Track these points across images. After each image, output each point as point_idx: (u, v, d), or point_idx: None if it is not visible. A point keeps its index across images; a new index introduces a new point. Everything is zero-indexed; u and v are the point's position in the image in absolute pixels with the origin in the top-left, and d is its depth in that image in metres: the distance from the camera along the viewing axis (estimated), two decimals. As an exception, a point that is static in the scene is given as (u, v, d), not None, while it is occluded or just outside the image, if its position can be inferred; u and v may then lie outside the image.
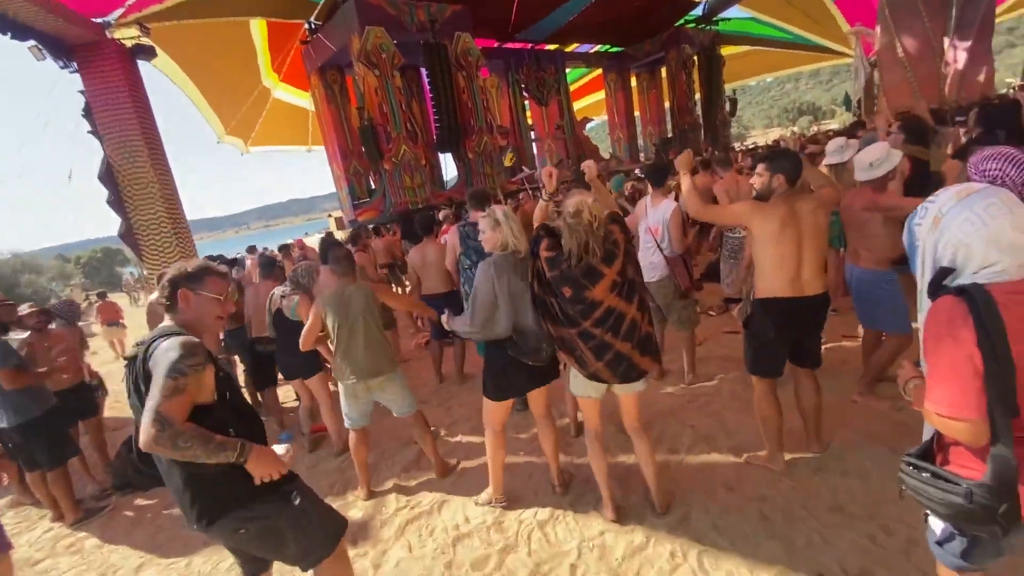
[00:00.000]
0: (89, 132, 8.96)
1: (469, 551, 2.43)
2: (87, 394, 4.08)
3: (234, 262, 6.01)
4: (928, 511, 1.21)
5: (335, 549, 1.77)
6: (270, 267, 4.29)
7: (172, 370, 1.41)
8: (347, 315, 2.84)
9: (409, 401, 3.04)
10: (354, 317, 2.84)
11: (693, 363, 3.78)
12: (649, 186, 3.83)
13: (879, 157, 2.75)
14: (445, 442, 3.59)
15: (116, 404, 6.07)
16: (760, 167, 2.44)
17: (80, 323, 6.80)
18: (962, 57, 15.22)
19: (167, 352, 1.44)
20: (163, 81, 13.28)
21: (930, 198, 1.17)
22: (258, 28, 13.06)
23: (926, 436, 1.28)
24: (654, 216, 3.54)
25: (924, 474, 1.15)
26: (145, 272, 14.76)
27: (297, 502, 1.66)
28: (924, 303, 1.17)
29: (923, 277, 1.18)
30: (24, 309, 3.81)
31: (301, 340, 2.93)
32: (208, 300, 1.65)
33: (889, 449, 2.57)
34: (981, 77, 14.95)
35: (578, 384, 2.34)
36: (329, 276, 4.16)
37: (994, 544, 1.14)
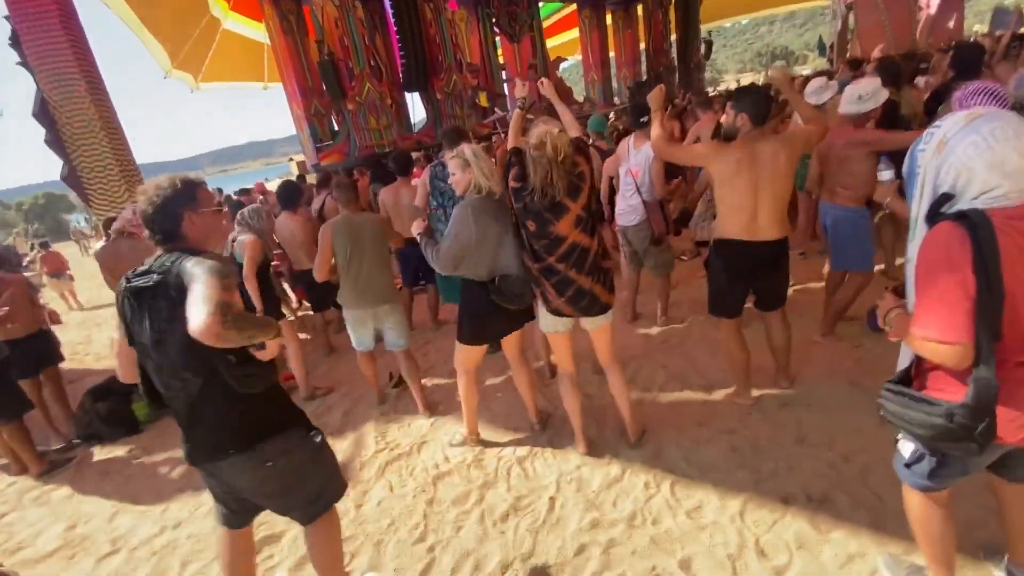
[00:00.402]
0: (18, 64, 8.10)
1: (450, 488, 2.48)
2: (46, 342, 3.86)
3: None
4: (900, 435, 1.27)
5: (342, 495, 1.77)
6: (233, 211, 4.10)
7: (217, 271, 1.35)
8: (358, 243, 2.89)
9: (405, 334, 3.14)
10: (365, 245, 2.90)
11: (666, 307, 3.84)
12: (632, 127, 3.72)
13: (869, 91, 2.77)
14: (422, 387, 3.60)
15: (74, 356, 5.85)
16: (728, 105, 2.40)
17: (26, 272, 6.42)
18: (934, 2, 15.17)
19: (200, 263, 1.36)
20: (96, 7, 11.96)
21: (935, 123, 1.15)
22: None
23: (903, 364, 1.32)
24: (636, 158, 3.47)
25: (904, 399, 1.19)
26: (94, 218, 13.92)
27: (318, 440, 1.65)
28: (918, 232, 1.17)
29: (919, 203, 1.17)
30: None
31: (315, 270, 2.99)
32: (210, 214, 1.55)
33: (849, 383, 2.71)
34: (951, 23, 15.00)
35: (546, 321, 2.34)
36: (288, 219, 3.99)
37: (961, 464, 1.21)
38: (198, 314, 1.25)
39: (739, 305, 2.58)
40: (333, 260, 2.94)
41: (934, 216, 1.10)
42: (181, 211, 1.47)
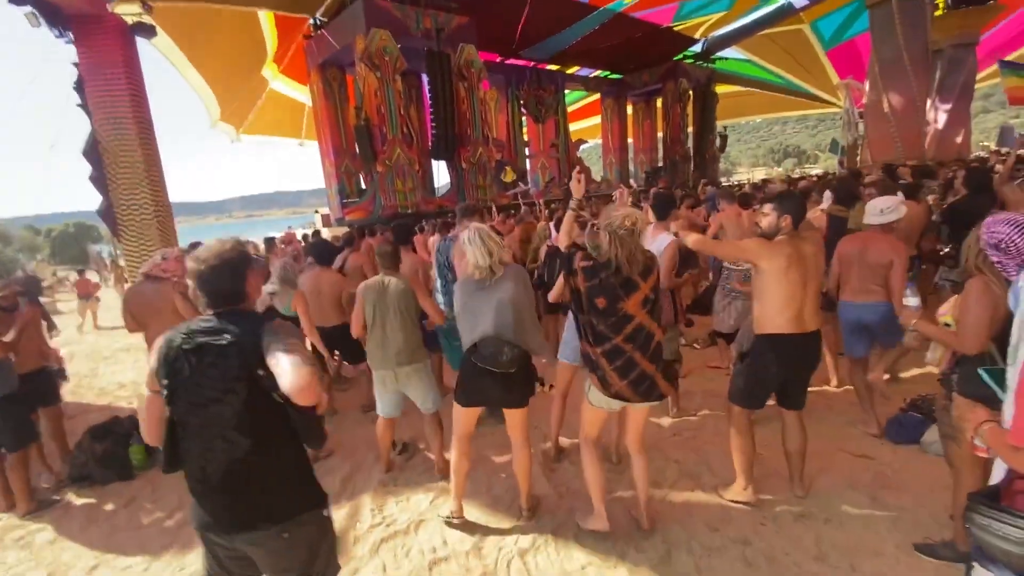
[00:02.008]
0: (78, 105, 8.69)
1: (446, 576, 2.36)
2: (49, 380, 3.87)
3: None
4: (973, 563, 1.23)
5: (337, 574, 1.71)
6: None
7: (299, 336, 1.46)
8: (385, 304, 2.98)
9: (433, 397, 3.15)
10: (390, 306, 2.98)
11: (677, 397, 3.79)
12: (650, 215, 3.84)
13: (890, 206, 3.12)
14: (425, 457, 3.51)
15: (77, 389, 5.82)
16: (768, 207, 2.51)
17: (42, 299, 6.54)
18: (942, 118, 15.98)
19: (282, 330, 1.43)
20: (156, 60, 12.94)
21: None
22: (267, 17, 12.94)
23: (996, 479, 1.30)
24: (653, 247, 3.54)
25: (1000, 513, 1.16)
26: (118, 252, 14.28)
27: (326, 513, 1.61)
28: (1019, 355, 1.21)
29: (1018, 332, 1.24)
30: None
31: (352, 327, 3.11)
32: (259, 276, 1.63)
33: (870, 497, 2.61)
34: (959, 138, 15.72)
35: (599, 397, 2.34)
36: (321, 274, 4.10)
37: None
38: (297, 376, 1.30)
39: (767, 397, 2.63)
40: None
41: None
42: (246, 271, 1.51)
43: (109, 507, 3.31)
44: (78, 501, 3.41)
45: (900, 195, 3.42)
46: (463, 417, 2.59)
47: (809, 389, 3.85)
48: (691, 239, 2.75)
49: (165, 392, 1.45)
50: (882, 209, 3.13)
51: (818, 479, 2.80)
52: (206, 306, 1.51)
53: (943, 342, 2.06)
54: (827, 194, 4.46)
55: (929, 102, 14.41)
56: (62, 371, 4.36)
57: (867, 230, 3.22)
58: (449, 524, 2.68)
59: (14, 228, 27.16)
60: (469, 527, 2.67)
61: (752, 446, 2.62)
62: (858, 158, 16.81)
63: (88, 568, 2.70)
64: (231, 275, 1.48)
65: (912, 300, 2.28)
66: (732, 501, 2.67)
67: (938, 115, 15.92)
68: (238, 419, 1.41)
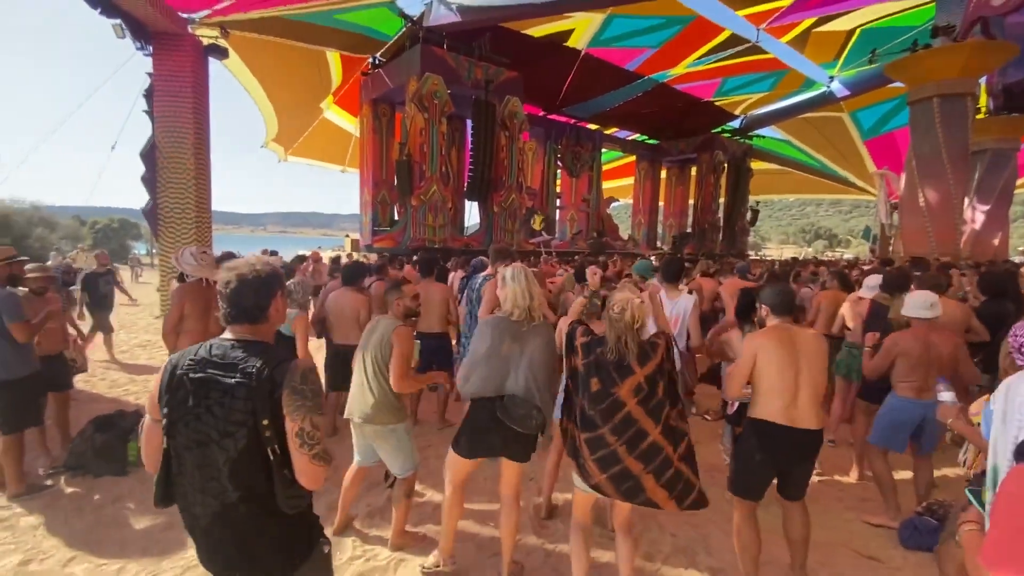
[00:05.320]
0: (144, 111, 9.30)
1: (418, 622, 2.27)
2: (62, 366, 3.99)
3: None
4: None
5: None
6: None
7: (319, 407, 1.34)
8: (365, 346, 2.71)
9: (401, 462, 2.73)
10: (366, 351, 2.70)
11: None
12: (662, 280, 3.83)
13: (935, 301, 3.08)
14: (417, 491, 3.43)
15: (90, 379, 5.93)
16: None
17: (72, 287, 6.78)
18: (980, 218, 15.84)
19: (305, 394, 1.31)
20: (221, 73, 13.89)
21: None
22: (333, 56, 13.83)
23: None
24: (672, 309, 3.54)
25: None
26: (155, 251, 14.80)
27: (326, 550, 1.50)
28: (1000, 475, 1.19)
29: (993, 453, 1.23)
30: (34, 270, 3.79)
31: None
32: (284, 301, 1.52)
33: (873, 605, 2.45)
34: (996, 240, 15.51)
35: (580, 481, 2.23)
36: (348, 295, 4.17)
37: None
38: (312, 470, 1.30)
39: (763, 489, 2.47)
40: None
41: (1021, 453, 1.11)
42: (275, 292, 1.43)
43: (97, 498, 3.31)
44: (68, 490, 3.42)
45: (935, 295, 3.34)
46: (463, 465, 2.47)
47: (822, 478, 3.76)
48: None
49: (164, 422, 1.35)
50: (932, 304, 3.04)
51: (820, 572, 2.65)
52: (224, 320, 1.41)
53: (975, 442, 1.98)
54: (873, 279, 4.34)
55: (967, 201, 14.33)
56: (80, 361, 4.48)
57: (918, 324, 3.08)
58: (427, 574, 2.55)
59: (62, 216, 28.46)
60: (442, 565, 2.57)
61: (757, 542, 2.46)
62: (891, 248, 16.67)
63: (65, 559, 2.68)
64: (258, 291, 1.39)
65: (946, 395, 2.20)
66: None
67: (975, 215, 15.80)
68: (229, 465, 1.29)
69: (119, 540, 2.86)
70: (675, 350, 2.18)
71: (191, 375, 1.32)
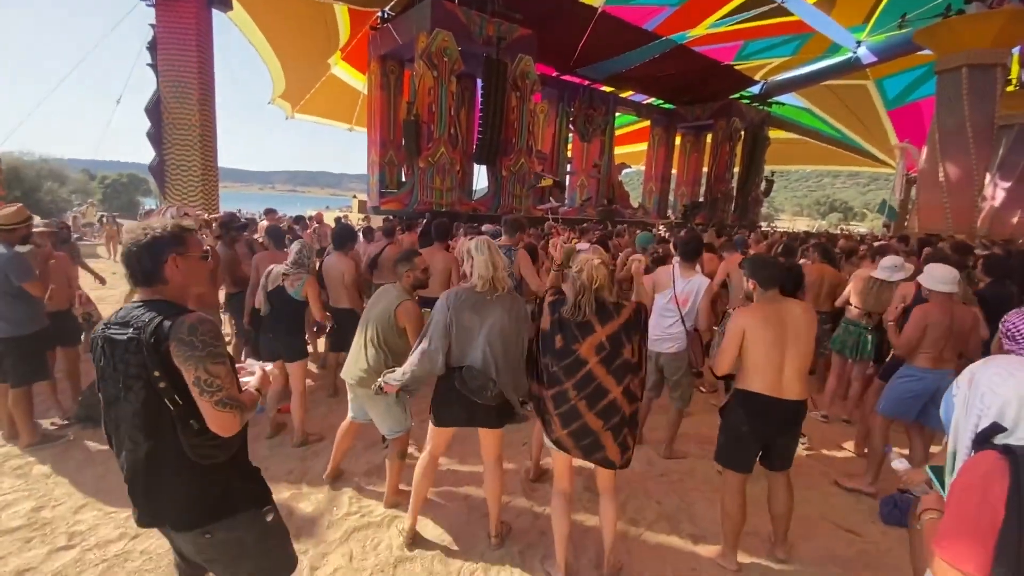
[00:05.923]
0: (148, 64, 9.15)
1: (408, 576, 2.38)
2: (70, 322, 4.08)
3: (244, 226, 5.98)
4: None
5: (292, 572, 1.66)
6: (280, 239, 4.36)
7: (218, 358, 1.36)
8: (368, 315, 2.80)
9: (390, 425, 2.81)
10: (369, 318, 2.78)
11: (673, 438, 3.74)
12: (677, 256, 3.77)
13: (898, 264, 3.41)
14: (409, 461, 3.54)
15: (100, 332, 6.06)
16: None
17: (83, 242, 6.83)
18: (1000, 195, 15.40)
19: (194, 346, 1.33)
20: (227, 29, 13.58)
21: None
22: (342, 10, 13.40)
23: None
24: (685, 287, 3.48)
25: None
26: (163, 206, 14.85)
27: (269, 519, 1.56)
28: (958, 462, 1.20)
29: (954, 439, 1.23)
30: (39, 226, 3.83)
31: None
32: (196, 262, 1.50)
33: (850, 574, 2.53)
34: (1015, 219, 15.10)
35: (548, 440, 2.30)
36: (340, 260, 4.19)
37: None
38: (218, 416, 1.34)
39: (750, 460, 2.51)
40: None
41: (983, 442, 1.12)
42: (167, 253, 1.43)
43: (106, 449, 3.44)
44: (80, 441, 3.56)
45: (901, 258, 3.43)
46: (438, 435, 2.56)
47: (810, 452, 3.82)
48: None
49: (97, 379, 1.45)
50: (956, 279, 3.04)
51: (800, 546, 2.73)
52: (132, 287, 1.47)
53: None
54: (889, 260, 4.10)
55: (988, 177, 13.92)
56: (93, 318, 4.58)
57: (942, 298, 3.04)
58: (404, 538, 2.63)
59: (71, 169, 28.48)
60: (439, 536, 2.69)
61: (741, 514, 2.51)
62: (906, 224, 16.34)
63: (75, 507, 2.82)
64: (146, 255, 1.40)
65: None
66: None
67: (996, 192, 15.36)
68: (137, 419, 1.36)
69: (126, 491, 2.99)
70: (643, 318, 2.20)
71: (102, 336, 1.40)
